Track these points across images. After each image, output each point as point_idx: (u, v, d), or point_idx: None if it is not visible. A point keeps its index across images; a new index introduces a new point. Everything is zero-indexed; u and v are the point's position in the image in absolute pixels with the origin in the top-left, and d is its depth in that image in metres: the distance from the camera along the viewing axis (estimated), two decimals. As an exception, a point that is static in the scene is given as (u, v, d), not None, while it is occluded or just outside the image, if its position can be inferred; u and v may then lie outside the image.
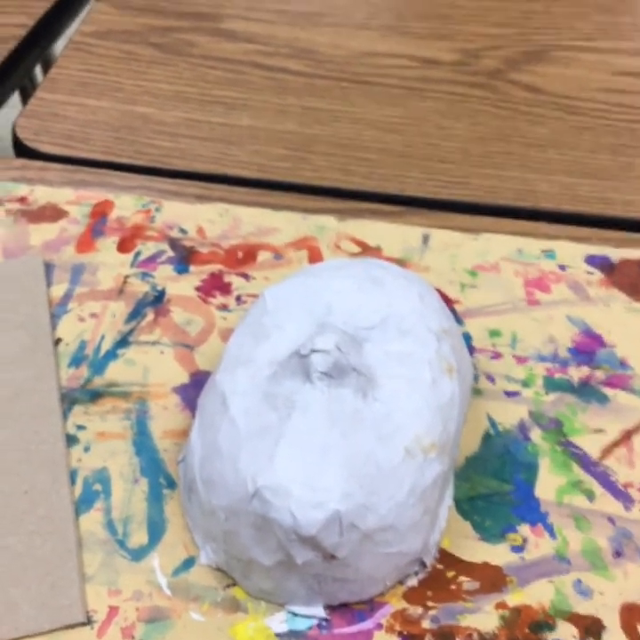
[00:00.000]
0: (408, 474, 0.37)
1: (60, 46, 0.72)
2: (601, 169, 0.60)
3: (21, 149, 0.60)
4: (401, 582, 0.39)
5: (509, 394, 0.47)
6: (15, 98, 0.72)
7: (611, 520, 0.42)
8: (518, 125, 0.64)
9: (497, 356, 0.49)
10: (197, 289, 0.51)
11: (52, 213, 0.55)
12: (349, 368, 0.39)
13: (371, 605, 0.38)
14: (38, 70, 0.77)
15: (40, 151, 0.60)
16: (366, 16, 0.74)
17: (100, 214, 0.55)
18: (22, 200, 0.56)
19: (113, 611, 0.38)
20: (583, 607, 0.39)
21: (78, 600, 0.37)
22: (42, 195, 0.56)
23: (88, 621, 0.37)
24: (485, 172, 0.60)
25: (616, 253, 0.54)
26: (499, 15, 0.74)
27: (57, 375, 0.46)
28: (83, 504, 0.41)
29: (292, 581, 0.37)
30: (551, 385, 0.47)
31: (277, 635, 0.37)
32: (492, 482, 0.43)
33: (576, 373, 0.48)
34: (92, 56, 0.68)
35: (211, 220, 0.55)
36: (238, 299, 0.51)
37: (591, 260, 0.54)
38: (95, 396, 0.46)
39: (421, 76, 0.68)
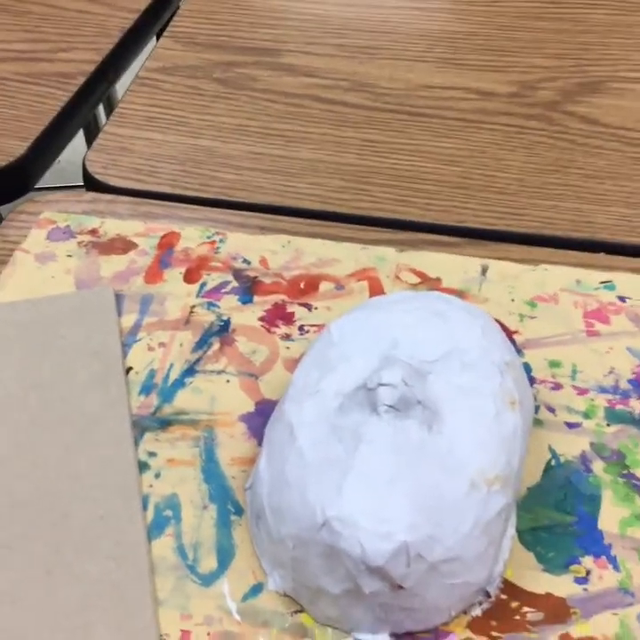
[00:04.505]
0: (473, 506, 0.38)
1: (122, 82, 0.75)
2: (659, 200, 0.60)
3: (91, 183, 0.63)
4: (465, 612, 0.40)
5: (570, 425, 0.47)
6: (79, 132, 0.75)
7: (674, 553, 0.42)
8: (575, 157, 0.64)
9: (557, 386, 0.49)
10: (261, 319, 0.53)
11: (122, 245, 0.57)
12: (415, 401, 0.40)
13: (435, 634, 0.39)
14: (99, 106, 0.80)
15: (109, 184, 0.62)
16: (423, 49, 0.75)
17: (167, 246, 0.57)
18: (93, 232, 0.58)
19: (185, 635, 0.39)
20: (648, 641, 0.39)
21: (152, 624, 0.38)
22: (111, 227, 0.58)
23: (162, 645, 0.39)
24: (542, 203, 0.61)
25: (677, 285, 0.54)
26: (554, 47, 0.75)
27: (128, 403, 0.47)
28: (154, 529, 0.43)
29: (358, 609, 0.38)
30: (612, 416, 0.47)
31: (345, 661, 0.38)
32: (555, 513, 0.43)
33: (637, 405, 0.48)
34: (157, 91, 0.71)
35: (273, 250, 0.57)
36: (301, 328, 0.52)
37: (652, 292, 0.54)
38: (165, 423, 0.47)
39: (478, 107, 0.69)
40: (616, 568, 0.41)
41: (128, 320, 0.52)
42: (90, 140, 0.66)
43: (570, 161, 0.64)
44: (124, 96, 0.70)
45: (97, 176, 0.63)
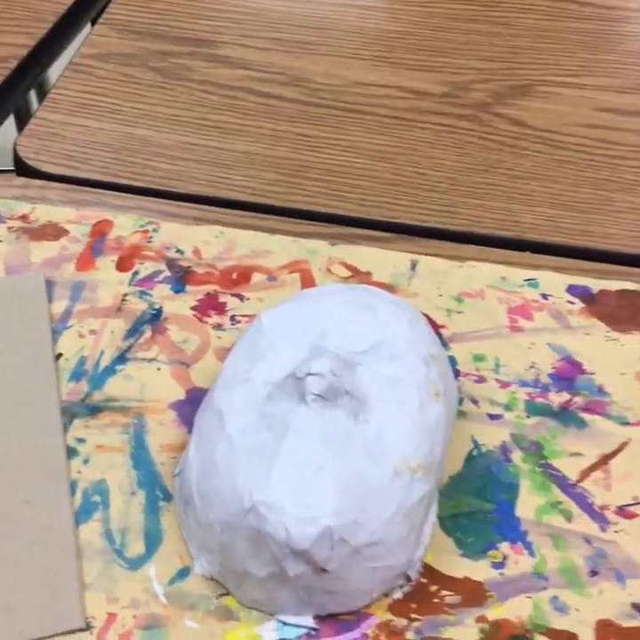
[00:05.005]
0: (396, 493, 0.39)
1: (55, 68, 0.74)
2: (582, 202, 0.62)
3: (22, 168, 0.62)
4: (386, 595, 0.41)
5: (492, 416, 0.49)
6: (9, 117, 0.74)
7: (587, 540, 0.44)
8: (503, 157, 0.66)
9: (481, 379, 0.51)
10: (193, 308, 0.53)
11: (53, 232, 0.57)
12: (342, 391, 0.41)
13: (357, 616, 0.40)
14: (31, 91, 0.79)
15: (41, 170, 0.62)
16: (359, 46, 0.76)
17: (99, 233, 0.57)
18: (23, 218, 0.57)
19: (111, 617, 0.39)
20: (559, 623, 0.40)
21: (78, 607, 0.39)
22: (43, 213, 0.58)
23: (87, 627, 0.39)
24: (471, 202, 0.62)
25: (596, 284, 0.56)
26: (486, 50, 0.77)
27: (58, 389, 0.47)
28: (82, 514, 0.43)
29: (283, 592, 0.39)
30: (532, 409, 0.49)
31: (268, 643, 0.39)
32: (475, 500, 0.45)
33: (556, 399, 0.50)
34: (92, 78, 0.70)
35: (206, 241, 0.57)
36: (233, 318, 0.53)
37: (572, 289, 0.56)
38: (94, 410, 0.47)
39: (411, 106, 0.70)
40: (531, 553, 0.43)
41: (58, 306, 0.52)
42: (21, 126, 0.65)
43: (499, 161, 0.66)
44: (57, 82, 0.70)
45: (28, 161, 0.62)
